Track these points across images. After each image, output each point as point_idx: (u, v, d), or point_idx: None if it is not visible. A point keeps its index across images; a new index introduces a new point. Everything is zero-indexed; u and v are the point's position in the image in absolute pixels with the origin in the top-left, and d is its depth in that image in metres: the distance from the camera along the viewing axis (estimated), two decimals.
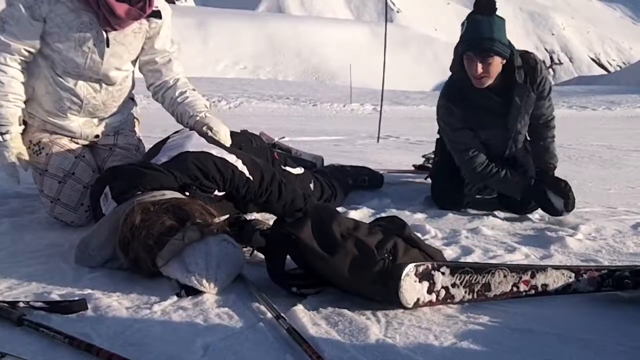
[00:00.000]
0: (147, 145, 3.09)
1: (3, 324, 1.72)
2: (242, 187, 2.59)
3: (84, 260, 2.24)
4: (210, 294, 2.00)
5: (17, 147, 2.69)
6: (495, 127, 3.27)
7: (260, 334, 1.75)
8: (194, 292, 1.99)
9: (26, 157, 2.73)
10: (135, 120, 3.15)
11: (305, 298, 2.01)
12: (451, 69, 3.29)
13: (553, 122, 3.40)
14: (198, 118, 2.93)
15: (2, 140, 2.67)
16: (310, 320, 1.84)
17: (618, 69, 73.89)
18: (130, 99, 3.08)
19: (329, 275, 2.03)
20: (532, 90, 3.17)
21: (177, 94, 3.01)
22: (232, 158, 2.58)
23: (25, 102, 2.77)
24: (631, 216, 3.43)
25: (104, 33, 2.69)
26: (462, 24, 3.11)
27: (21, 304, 1.80)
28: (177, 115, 3.03)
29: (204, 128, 2.87)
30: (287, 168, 3.22)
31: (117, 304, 1.91)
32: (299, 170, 3.27)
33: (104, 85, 2.83)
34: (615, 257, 2.63)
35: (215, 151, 2.57)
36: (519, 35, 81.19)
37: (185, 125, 2.97)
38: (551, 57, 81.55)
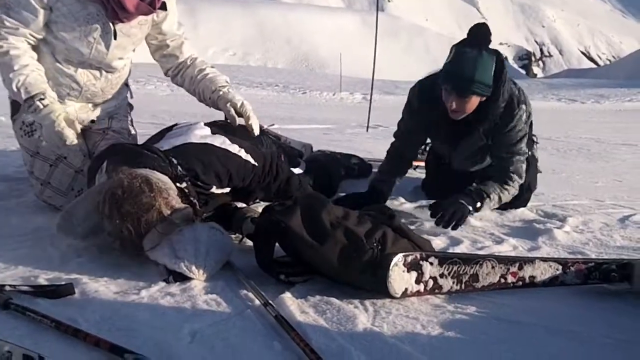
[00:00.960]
0: (139, 131, 3.08)
1: None
2: (248, 177, 2.56)
3: (66, 230, 2.19)
4: (198, 280, 2.00)
5: (60, 109, 2.57)
6: (445, 144, 3.20)
7: (248, 321, 1.76)
8: (182, 278, 1.99)
9: (73, 118, 2.64)
10: (128, 105, 3.12)
11: (293, 286, 2.02)
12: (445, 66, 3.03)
13: (513, 180, 2.97)
14: (221, 93, 2.89)
15: (41, 106, 2.52)
16: (298, 308, 1.85)
17: (607, 62, 74.20)
18: (125, 85, 3.04)
19: (318, 264, 2.04)
20: (500, 129, 2.94)
21: (196, 72, 2.96)
22: (234, 148, 2.54)
23: None
24: (618, 209, 3.45)
25: (111, 25, 2.64)
26: (450, 50, 2.88)
27: (7, 288, 1.79)
28: (198, 93, 2.97)
29: (228, 105, 2.83)
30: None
31: (104, 288, 1.90)
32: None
33: (104, 72, 2.80)
34: (602, 249, 2.65)
35: (218, 142, 2.53)
36: (509, 27, 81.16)
37: (207, 102, 2.94)
38: (541, 50, 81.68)
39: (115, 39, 2.68)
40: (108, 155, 2.35)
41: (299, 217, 2.06)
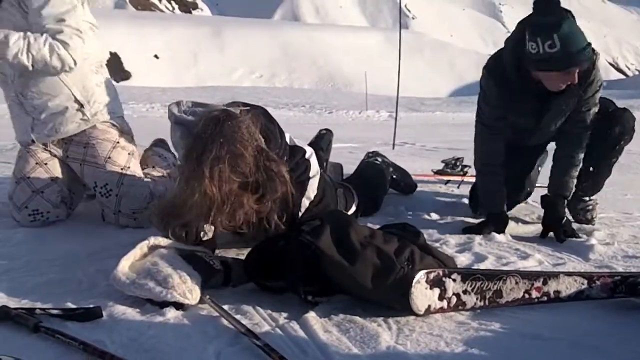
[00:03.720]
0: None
1: (20, 330, 1.75)
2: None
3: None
4: (192, 304, 1.97)
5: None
6: (526, 119, 3.15)
7: (270, 339, 1.77)
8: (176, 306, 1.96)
9: None
10: (109, 127, 3.06)
11: (317, 305, 2.03)
12: (506, 42, 3.09)
13: (585, 138, 3.09)
14: None
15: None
16: (321, 327, 1.86)
17: (637, 72, 73.27)
18: (76, 103, 2.95)
19: (349, 284, 2.03)
20: (580, 92, 2.99)
21: None
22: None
23: None
24: None
25: None
26: (535, 34, 2.77)
27: (38, 311, 1.83)
28: None
29: None
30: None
31: (131, 311, 1.93)
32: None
33: (6, 74, 2.93)
34: (629, 263, 2.62)
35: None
36: None
37: None
38: None
39: None
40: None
41: (329, 237, 2.07)
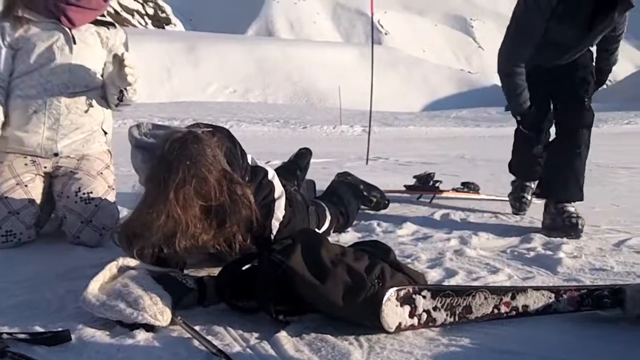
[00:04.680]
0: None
1: None
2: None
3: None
4: (163, 325, 1.96)
5: None
6: (575, 30, 3.32)
7: None
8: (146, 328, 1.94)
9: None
10: (106, 152, 3.22)
11: (288, 324, 2.03)
12: None
13: (622, 35, 3.60)
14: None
15: None
16: (293, 346, 1.86)
17: (604, 86, 74.60)
18: (102, 129, 3.19)
19: (321, 303, 2.03)
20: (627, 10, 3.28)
21: None
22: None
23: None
24: (614, 234, 3.46)
25: (68, 31, 2.99)
26: None
27: (4, 336, 1.80)
28: (109, 88, 3.12)
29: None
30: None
31: (100, 333, 1.91)
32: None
33: (70, 88, 3.00)
34: (596, 275, 2.66)
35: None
36: None
37: (112, 84, 3.08)
38: None
39: (75, 43, 2.99)
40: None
41: (300, 255, 2.07)
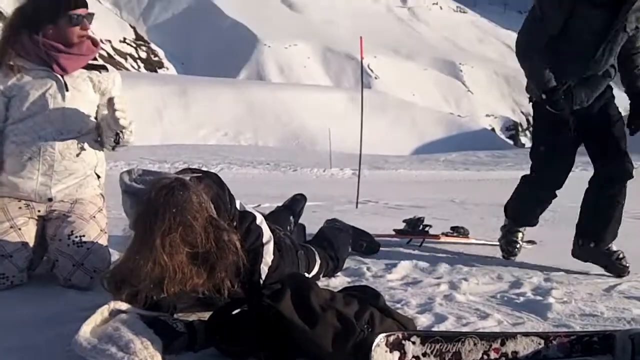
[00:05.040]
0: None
1: None
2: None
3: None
4: None
5: None
6: (602, 10, 3.35)
7: None
8: None
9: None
10: (98, 196, 3.25)
11: None
12: None
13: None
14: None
15: None
16: None
17: None
18: (95, 173, 3.22)
19: (310, 348, 2.04)
20: None
21: None
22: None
23: None
24: (604, 279, 3.49)
25: (60, 78, 3.03)
26: None
27: None
28: (105, 131, 3.14)
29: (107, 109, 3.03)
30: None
31: None
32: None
33: (63, 134, 3.04)
34: (586, 321, 2.67)
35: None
36: (495, 98, 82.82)
37: (108, 127, 3.09)
38: (527, 120, 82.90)
39: (67, 90, 3.03)
40: None
41: (289, 300, 2.08)
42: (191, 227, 2.15)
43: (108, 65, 3.32)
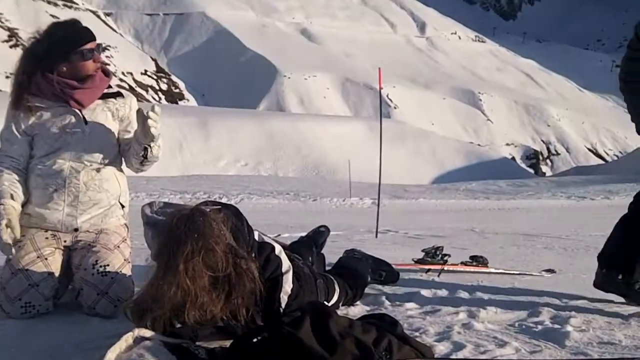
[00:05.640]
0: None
1: None
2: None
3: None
4: None
5: (8, 215, 2.97)
6: None
7: None
8: None
9: (16, 228, 2.99)
10: (123, 226, 3.33)
11: None
12: None
13: None
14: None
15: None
16: None
17: (615, 157, 74.74)
18: (119, 203, 3.31)
19: None
20: None
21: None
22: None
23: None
24: (623, 307, 3.48)
25: (79, 112, 3.13)
26: None
27: None
28: (133, 147, 3.20)
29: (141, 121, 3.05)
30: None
31: None
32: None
33: (86, 165, 3.14)
34: (604, 349, 2.68)
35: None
36: (515, 127, 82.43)
37: (136, 142, 3.15)
38: (548, 148, 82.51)
39: (86, 123, 3.14)
40: None
41: (309, 328, 2.13)
42: (213, 251, 2.24)
43: (122, 91, 3.42)
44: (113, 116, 3.26)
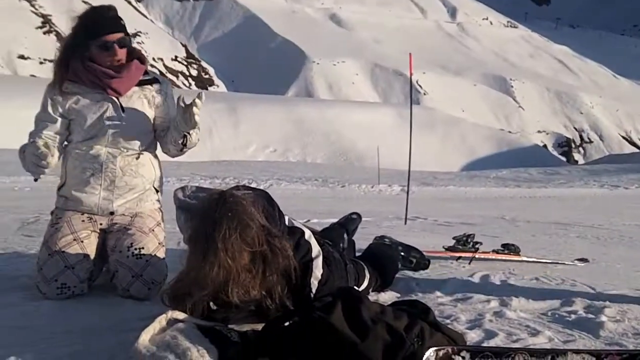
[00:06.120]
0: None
1: None
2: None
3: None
4: None
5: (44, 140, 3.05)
6: None
7: None
8: None
9: (54, 152, 3.01)
10: (157, 210, 3.35)
11: None
12: None
13: None
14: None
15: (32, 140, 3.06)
16: None
17: None
18: (154, 188, 3.34)
19: None
20: None
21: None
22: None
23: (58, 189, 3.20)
24: None
25: (116, 100, 3.15)
26: None
27: None
28: (171, 134, 3.21)
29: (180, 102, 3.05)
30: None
31: None
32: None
33: (122, 151, 3.17)
34: None
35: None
36: (546, 115, 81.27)
37: (175, 130, 3.17)
38: (581, 136, 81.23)
39: (123, 111, 3.15)
40: None
41: (340, 312, 2.13)
42: (248, 227, 2.29)
43: (158, 76, 3.42)
44: (149, 103, 3.27)
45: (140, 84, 3.27)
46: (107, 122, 3.14)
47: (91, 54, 3.12)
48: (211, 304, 2.36)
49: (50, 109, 3.17)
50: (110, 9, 3.18)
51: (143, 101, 3.25)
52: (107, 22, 3.13)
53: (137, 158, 3.23)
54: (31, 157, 2.96)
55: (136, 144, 3.22)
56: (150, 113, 3.28)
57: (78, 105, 3.15)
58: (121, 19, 3.18)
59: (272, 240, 2.37)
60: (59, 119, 3.17)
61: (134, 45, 3.29)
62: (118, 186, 3.19)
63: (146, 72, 3.33)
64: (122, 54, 3.14)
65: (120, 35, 3.13)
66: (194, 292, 2.32)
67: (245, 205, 2.34)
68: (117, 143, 3.17)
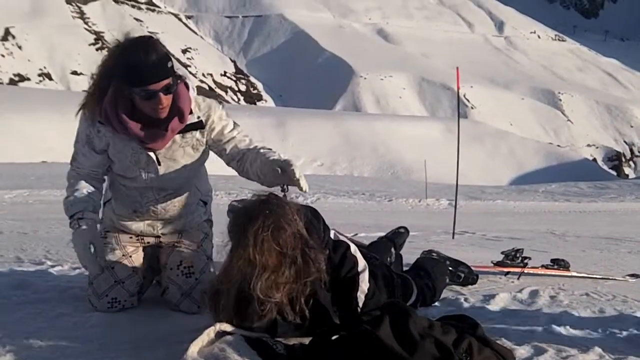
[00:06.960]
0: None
1: None
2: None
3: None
4: None
5: (91, 235, 2.96)
6: None
7: None
8: None
9: (99, 249, 3.00)
10: (205, 222, 3.33)
11: None
12: None
13: None
14: (272, 158, 2.82)
15: (77, 226, 2.95)
16: None
17: None
18: (201, 201, 3.31)
19: None
20: None
21: (253, 154, 2.96)
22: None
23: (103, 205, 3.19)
24: None
25: (152, 154, 2.99)
26: None
27: None
28: (258, 173, 2.88)
29: (276, 167, 2.75)
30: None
31: None
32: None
33: (162, 193, 3.14)
34: None
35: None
36: (596, 128, 79.48)
37: (265, 178, 2.84)
38: (631, 150, 79.02)
39: (159, 164, 3.02)
40: None
41: (388, 327, 2.13)
42: (283, 230, 2.33)
43: (208, 100, 3.10)
44: (193, 148, 3.05)
45: (185, 130, 2.99)
46: (142, 173, 3.04)
47: (133, 97, 2.83)
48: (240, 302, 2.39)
49: (87, 146, 3.02)
50: (155, 51, 2.76)
51: (184, 149, 3.04)
52: (153, 70, 2.75)
53: (179, 196, 3.17)
54: (83, 260, 2.97)
55: (176, 185, 3.14)
56: (196, 155, 3.08)
57: (111, 149, 3.00)
58: (169, 60, 2.81)
59: (308, 250, 2.40)
60: (97, 155, 3.04)
61: (180, 72, 2.95)
62: (162, 219, 3.20)
63: (191, 112, 2.99)
64: (167, 100, 2.83)
65: (166, 82, 2.79)
66: (224, 282, 2.37)
67: (286, 209, 2.39)
68: (155, 189, 3.12)
